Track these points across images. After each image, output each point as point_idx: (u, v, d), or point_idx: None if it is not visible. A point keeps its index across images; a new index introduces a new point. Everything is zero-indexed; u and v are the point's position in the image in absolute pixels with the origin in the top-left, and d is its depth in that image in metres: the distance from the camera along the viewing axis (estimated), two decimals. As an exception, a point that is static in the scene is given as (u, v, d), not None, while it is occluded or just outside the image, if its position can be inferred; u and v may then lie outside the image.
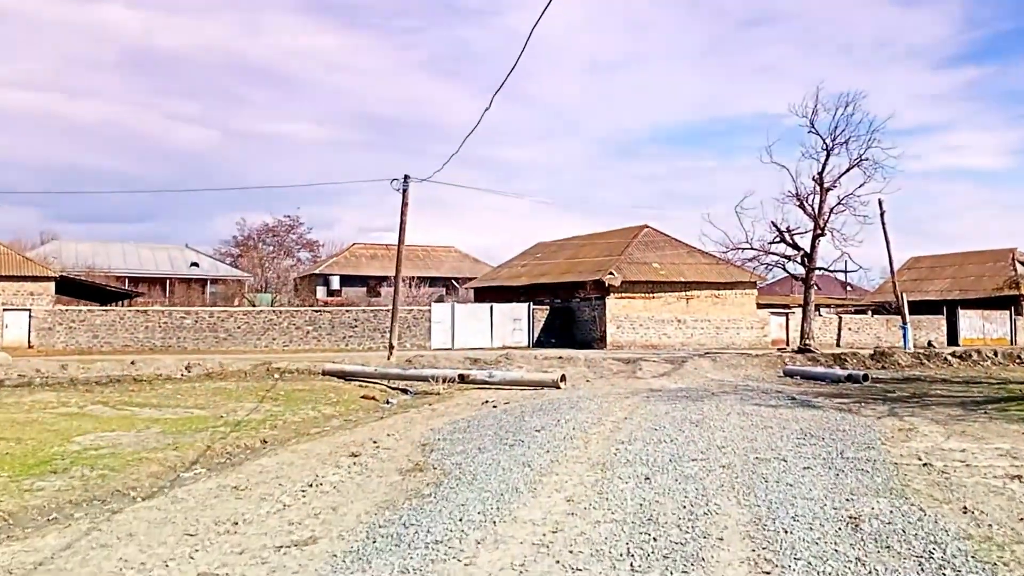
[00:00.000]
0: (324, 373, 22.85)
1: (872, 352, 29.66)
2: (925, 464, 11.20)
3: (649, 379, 23.03)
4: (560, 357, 28.87)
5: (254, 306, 50.37)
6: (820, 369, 23.60)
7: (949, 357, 29.78)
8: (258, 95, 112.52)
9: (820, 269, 38.36)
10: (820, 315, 48.07)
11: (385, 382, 22.27)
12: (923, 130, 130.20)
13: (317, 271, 61.51)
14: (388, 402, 19.20)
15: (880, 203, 43.47)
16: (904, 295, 47.29)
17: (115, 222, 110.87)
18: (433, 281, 60.90)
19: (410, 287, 56.36)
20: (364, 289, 61.17)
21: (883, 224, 45.81)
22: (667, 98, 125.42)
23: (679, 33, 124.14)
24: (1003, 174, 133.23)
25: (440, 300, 53.26)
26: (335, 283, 60.45)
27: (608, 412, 16.02)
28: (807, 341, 37.74)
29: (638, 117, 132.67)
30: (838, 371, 23.05)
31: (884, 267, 67.23)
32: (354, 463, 11.10)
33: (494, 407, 17.39)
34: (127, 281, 55.89)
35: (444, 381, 21.07)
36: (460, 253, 66.24)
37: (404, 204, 31.97)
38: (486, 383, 20.95)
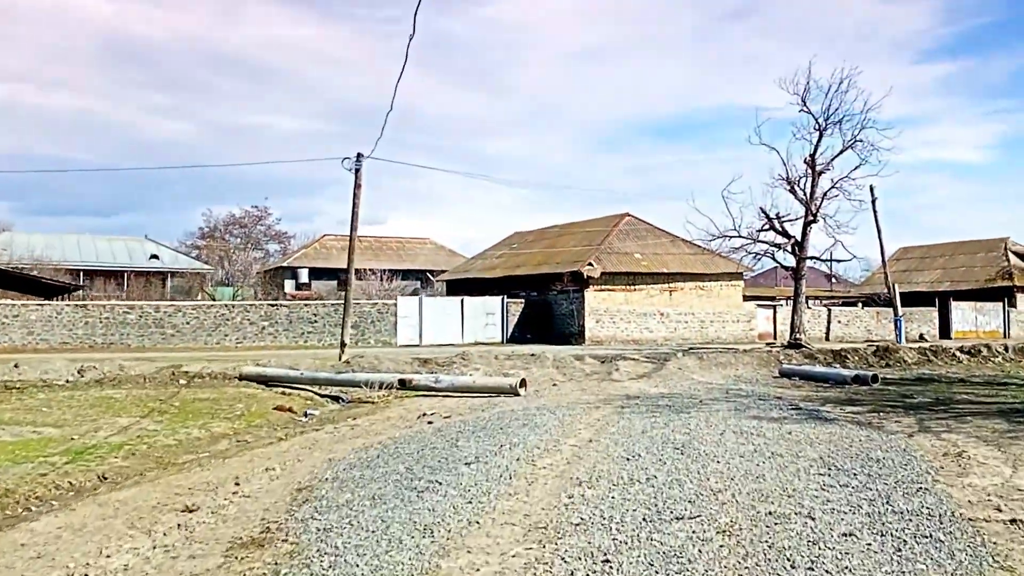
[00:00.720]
0: (242, 378, 18.95)
1: (874, 348, 26.08)
2: (1013, 521, 7.53)
3: (626, 382, 19.36)
4: (533, 355, 25.15)
5: (214, 300, 46.41)
6: (822, 369, 19.97)
7: (958, 353, 26.24)
8: (235, 86, 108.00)
9: (812, 258, 34.73)
10: (809, 308, 44.59)
11: (315, 388, 18.43)
12: (902, 123, 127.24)
13: (285, 263, 57.50)
14: (306, 415, 15.37)
15: (872, 189, 39.95)
16: (896, 286, 43.85)
17: (87, 215, 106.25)
18: (407, 274, 56.99)
19: (381, 280, 52.43)
20: (335, 282, 57.11)
21: (874, 212, 42.32)
22: (651, 89, 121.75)
23: (662, 24, 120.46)
24: (982, 168, 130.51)
25: (415, 293, 49.45)
26: (303, 276, 56.42)
27: (569, 431, 12.25)
28: (798, 335, 34.14)
29: (622, 108, 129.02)
30: (842, 371, 19.41)
31: (872, 258, 63.80)
32: (175, 527, 7.26)
33: (429, 423, 13.58)
34: (81, 274, 51.69)
35: (382, 388, 17.23)
36: (436, 245, 62.33)
37: (357, 185, 28.08)
38: (431, 390, 17.14)
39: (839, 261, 34.79)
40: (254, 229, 59.45)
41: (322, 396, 17.85)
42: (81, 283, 51.48)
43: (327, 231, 60.14)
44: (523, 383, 17.07)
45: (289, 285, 56.39)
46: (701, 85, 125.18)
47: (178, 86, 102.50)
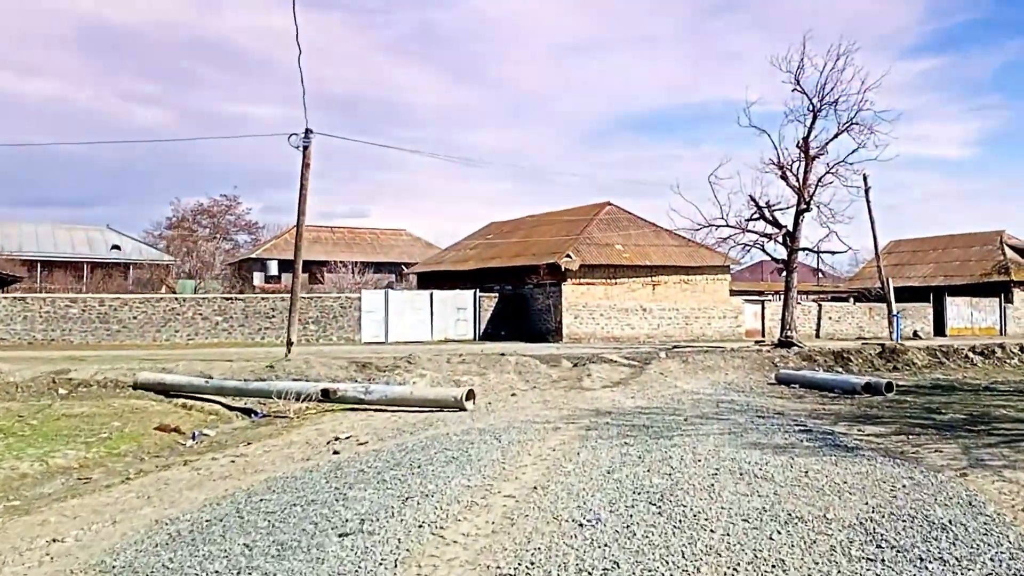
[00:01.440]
0: (137, 386, 15.45)
1: (879, 348, 22.77)
2: None
3: (599, 391, 16.05)
4: (499, 355, 21.83)
5: (175, 293, 42.78)
6: (826, 375, 16.60)
7: (970, 354, 23.02)
8: (217, 75, 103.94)
9: (804, 250, 31.45)
10: (798, 303, 41.47)
11: (227, 399, 14.96)
12: (885, 119, 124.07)
13: (254, 255, 53.81)
14: (195, 436, 11.94)
15: (865, 178, 36.57)
16: (890, 280, 40.68)
17: (72, 206, 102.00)
18: (381, 267, 53.46)
19: (353, 273, 48.90)
20: (307, 275, 53.49)
21: (867, 201, 38.94)
22: (636, 84, 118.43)
23: (646, 19, 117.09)
24: (965, 164, 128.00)
25: (389, 287, 46.01)
26: (273, 268, 52.77)
27: (511, 469, 8.88)
28: (789, 333, 30.91)
29: (605, 103, 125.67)
30: (851, 378, 16.02)
31: (862, 251, 60.76)
32: None
33: (335, 452, 10.17)
34: (39, 266, 47.96)
35: (300, 399, 13.81)
36: (412, 237, 58.81)
37: (305, 165, 24.57)
38: (361, 402, 13.72)
39: (833, 253, 31.60)
40: (222, 219, 55.66)
41: (233, 409, 14.40)
42: (38, 274, 47.84)
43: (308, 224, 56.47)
44: (471, 395, 13.68)
45: (258, 278, 52.77)
46: (686, 80, 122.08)
47: (157, 74, 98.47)
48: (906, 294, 46.38)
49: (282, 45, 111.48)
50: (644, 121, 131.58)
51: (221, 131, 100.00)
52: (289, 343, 24.20)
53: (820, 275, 68.43)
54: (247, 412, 14.30)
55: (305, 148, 24.33)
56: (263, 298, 35.43)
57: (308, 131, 24.41)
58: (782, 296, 32.55)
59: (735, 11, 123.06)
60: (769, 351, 29.11)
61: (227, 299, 34.92)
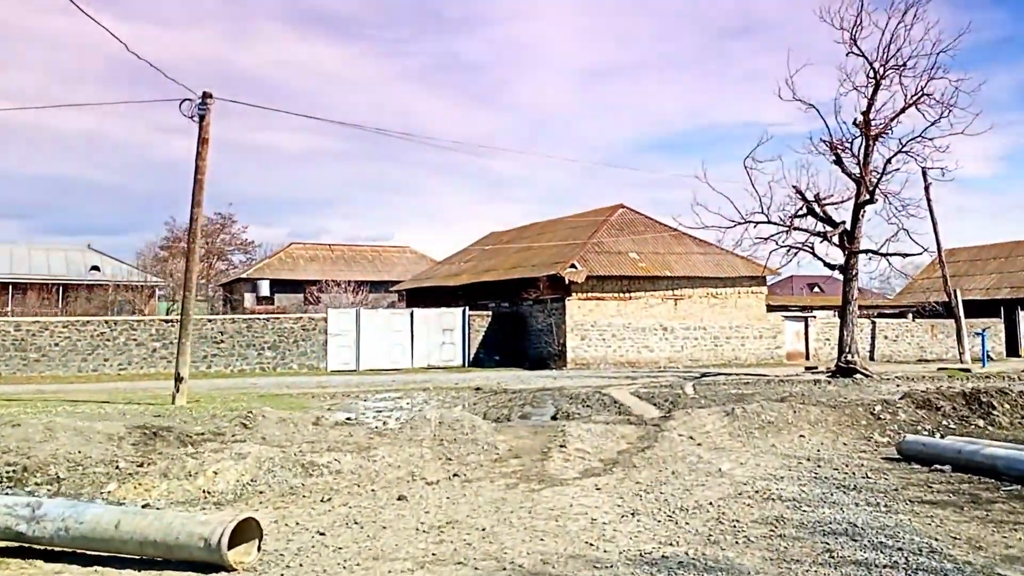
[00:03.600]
0: None
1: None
2: None
3: (571, 487, 7.43)
4: (426, 389, 13.75)
5: (154, 316, 35.54)
6: (1015, 450, 8.35)
7: None
8: (243, 106, 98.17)
9: (868, 252, 22.95)
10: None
11: None
12: (904, 137, 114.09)
13: (244, 275, 46.63)
14: None
15: (924, 173, 27.89)
16: (958, 292, 31.79)
17: (105, 234, 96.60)
18: (380, 285, 45.77)
19: (346, 291, 41.22)
20: (301, 295, 46.05)
21: (928, 200, 30.27)
22: (655, 107, 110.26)
23: (664, 43, 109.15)
24: (987, 180, 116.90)
25: (392, 307, 38.42)
26: (264, 289, 45.46)
27: None
28: (850, 357, 22.45)
29: (626, 126, 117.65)
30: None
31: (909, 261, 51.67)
32: None
33: None
34: (11, 288, 41.24)
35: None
36: (416, 254, 51.16)
37: (202, 140, 17.00)
38: (22, 539, 5.78)
39: (904, 255, 22.92)
40: (217, 238, 48.64)
41: None
42: (9, 297, 41.17)
43: (295, 240, 49.25)
44: (254, 529, 5.54)
45: (249, 299, 45.47)
46: (704, 102, 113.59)
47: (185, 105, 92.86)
48: (965, 308, 37.28)
49: (306, 76, 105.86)
50: (663, 143, 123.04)
51: (250, 159, 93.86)
52: (178, 379, 16.47)
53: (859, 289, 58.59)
54: None
55: (201, 118, 16.76)
56: (210, 319, 27.90)
57: (206, 95, 16.88)
58: (838, 311, 23.99)
59: (752, 33, 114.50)
60: (828, 380, 20.64)
61: (167, 322, 27.47)
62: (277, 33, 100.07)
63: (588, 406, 14.00)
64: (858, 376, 21.84)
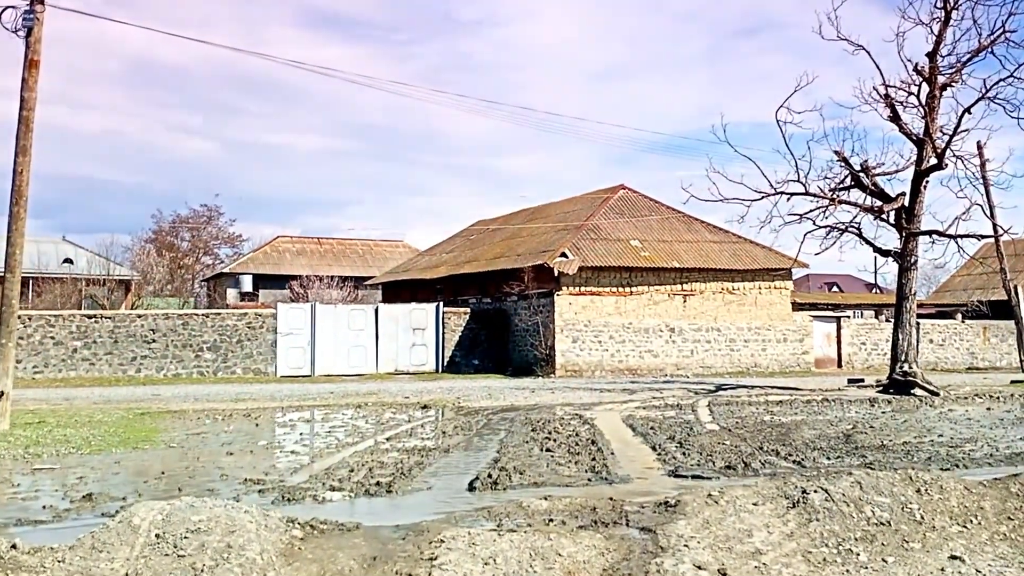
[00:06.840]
0: None
1: None
2: None
3: None
4: (418, 400, 8.34)
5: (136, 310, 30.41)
6: None
7: None
8: (257, 106, 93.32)
9: (932, 233, 16.93)
10: (879, 321, 26.76)
11: None
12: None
13: (226, 270, 41.44)
14: None
15: (979, 146, 21.63)
16: (1019, 288, 25.44)
17: (122, 232, 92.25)
18: (366, 281, 40.16)
19: (331, 286, 35.75)
20: (286, 290, 40.65)
21: (984, 178, 23.95)
22: (665, 108, 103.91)
23: (674, 43, 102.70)
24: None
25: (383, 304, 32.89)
26: (247, 284, 40.19)
27: None
28: (908, 367, 16.54)
29: (637, 126, 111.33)
30: None
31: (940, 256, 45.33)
32: None
33: None
34: (-25, 282, 36.16)
35: None
36: (411, 248, 45.66)
37: (32, 63, 11.56)
38: None
39: (980, 237, 16.79)
40: (203, 231, 43.57)
41: None
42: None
43: (282, 234, 43.93)
44: None
45: (232, 295, 40.19)
46: (715, 103, 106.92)
47: (203, 107, 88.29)
48: (1005, 309, 30.93)
49: (320, 77, 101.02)
50: (674, 144, 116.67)
51: (265, 159, 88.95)
52: (-8, 396, 10.94)
53: (876, 290, 51.43)
54: None
55: (28, 31, 11.30)
56: (139, 315, 22.58)
57: (33, 1, 11.39)
58: (894, 309, 17.99)
59: (763, 33, 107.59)
60: (888, 399, 14.76)
61: (91, 318, 22.16)
62: (288, 36, 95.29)
63: (549, 450, 8.47)
64: (920, 392, 15.91)
